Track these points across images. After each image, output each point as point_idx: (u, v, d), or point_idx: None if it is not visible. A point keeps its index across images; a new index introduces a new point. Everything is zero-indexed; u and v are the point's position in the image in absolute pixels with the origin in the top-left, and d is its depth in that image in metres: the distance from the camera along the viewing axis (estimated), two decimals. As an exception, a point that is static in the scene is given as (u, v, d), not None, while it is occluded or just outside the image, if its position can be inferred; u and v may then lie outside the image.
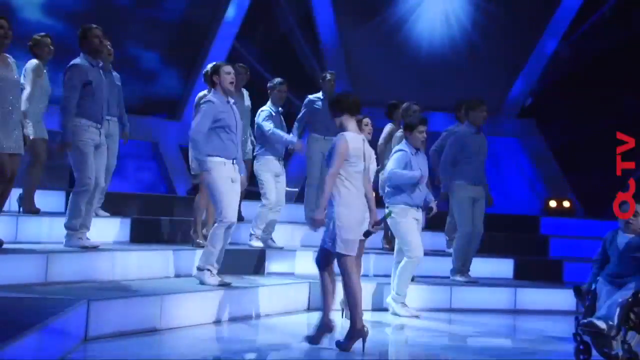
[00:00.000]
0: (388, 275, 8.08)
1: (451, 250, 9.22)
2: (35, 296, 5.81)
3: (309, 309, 7.94)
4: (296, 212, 10.03)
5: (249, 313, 7.29)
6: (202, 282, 7.05)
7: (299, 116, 9.67)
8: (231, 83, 7.06)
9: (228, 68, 7.10)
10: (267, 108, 9.00)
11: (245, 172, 7.54)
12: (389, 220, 7.81)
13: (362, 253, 7.53)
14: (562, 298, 8.80)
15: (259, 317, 7.34)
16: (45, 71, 8.02)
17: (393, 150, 8.13)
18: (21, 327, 4.37)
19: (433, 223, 10.29)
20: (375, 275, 8.92)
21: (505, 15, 14.64)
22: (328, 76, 9.84)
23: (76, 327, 5.53)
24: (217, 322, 6.89)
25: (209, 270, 7.04)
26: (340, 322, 6.70)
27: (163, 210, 9.48)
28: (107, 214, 8.47)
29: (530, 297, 9.09)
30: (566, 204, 13.55)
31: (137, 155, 12.98)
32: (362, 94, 14.89)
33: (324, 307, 6.04)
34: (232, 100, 7.14)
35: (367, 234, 6.08)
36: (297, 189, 11.98)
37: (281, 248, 9.02)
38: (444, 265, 9.18)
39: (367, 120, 7.50)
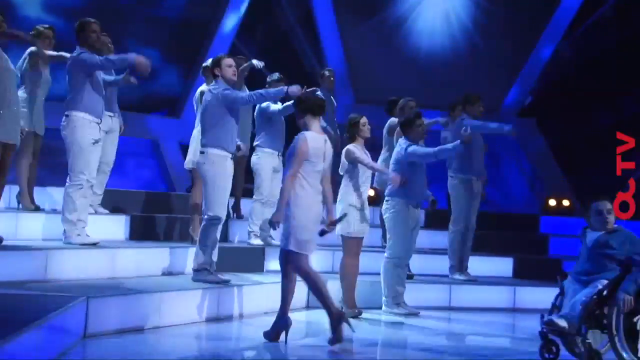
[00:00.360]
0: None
1: None
2: (34, 293, 5.81)
3: (308, 306, 7.93)
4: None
5: (248, 311, 7.28)
6: (202, 282, 7.04)
7: None
8: (233, 74, 7.08)
9: (229, 61, 7.11)
10: (266, 103, 8.97)
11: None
12: (383, 214, 7.81)
13: (360, 251, 7.57)
14: (562, 297, 8.80)
15: (258, 314, 7.33)
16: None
17: (397, 144, 8.06)
18: (20, 324, 4.37)
19: (432, 221, 10.29)
20: (375, 274, 8.90)
21: (505, 14, 14.64)
22: (327, 73, 9.79)
23: (75, 324, 5.54)
24: (217, 319, 6.89)
25: (206, 269, 7.04)
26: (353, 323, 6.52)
27: (162, 208, 9.47)
28: (107, 211, 8.45)
29: (529, 295, 9.07)
30: (566, 202, 13.54)
31: (136, 153, 12.98)
32: (362, 93, 14.73)
33: (282, 304, 6.03)
34: None
35: (322, 232, 6.09)
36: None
37: (281, 246, 8.99)
38: (443, 264, 9.18)
39: (364, 120, 7.48)
